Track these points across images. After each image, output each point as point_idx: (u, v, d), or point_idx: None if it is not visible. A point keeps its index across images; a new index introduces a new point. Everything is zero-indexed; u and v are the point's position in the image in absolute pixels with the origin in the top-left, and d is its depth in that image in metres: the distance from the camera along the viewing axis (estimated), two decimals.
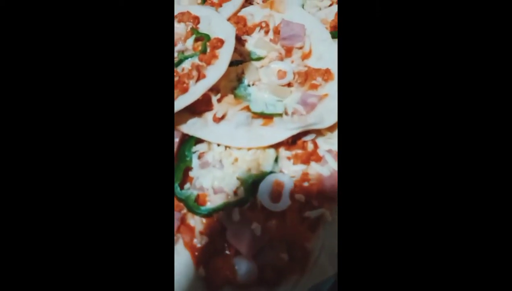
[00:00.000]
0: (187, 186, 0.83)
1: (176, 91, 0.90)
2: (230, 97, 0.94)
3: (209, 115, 0.90)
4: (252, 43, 1.12)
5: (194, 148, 0.88)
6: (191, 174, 0.85)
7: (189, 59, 0.99)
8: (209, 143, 0.88)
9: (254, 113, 0.91)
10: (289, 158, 0.86)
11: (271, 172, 0.83)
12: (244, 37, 1.14)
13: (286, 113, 0.92)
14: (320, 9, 1.25)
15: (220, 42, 1.00)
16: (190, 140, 0.88)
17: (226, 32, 1.03)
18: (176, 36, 1.07)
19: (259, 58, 1.08)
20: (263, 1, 1.33)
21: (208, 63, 0.96)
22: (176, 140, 0.88)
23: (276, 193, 0.79)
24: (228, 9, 1.21)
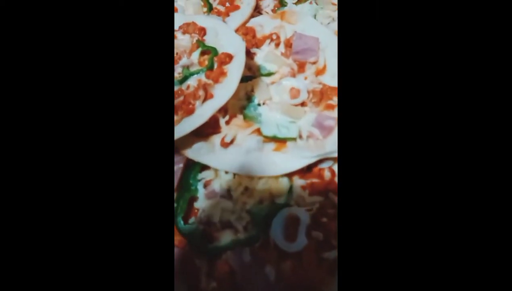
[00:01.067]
0: (192, 219, 0.74)
1: (180, 113, 0.81)
2: (239, 119, 0.85)
3: (216, 139, 0.82)
4: (262, 57, 1.04)
5: (200, 175, 0.79)
6: (196, 204, 0.76)
7: (195, 75, 0.90)
8: (216, 170, 0.79)
9: (266, 137, 0.81)
10: (304, 188, 0.77)
11: (284, 204, 0.74)
12: (253, 50, 1.05)
13: (301, 137, 0.83)
14: (333, 19, 1.17)
15: (229, 57, 0.91)
16: (195, 167, 0.79)
17: (234, 46, 0.94)
18: (180, 49, 0.99)
19: (269, 74, 0.99)
20: (272, 11, 1.25)
21: (216, 81, 0.87)
22: (180, 166, 0.80)
23: (291, 230, 0.70)
24: (236, 19, 1.13)
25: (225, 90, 0.83)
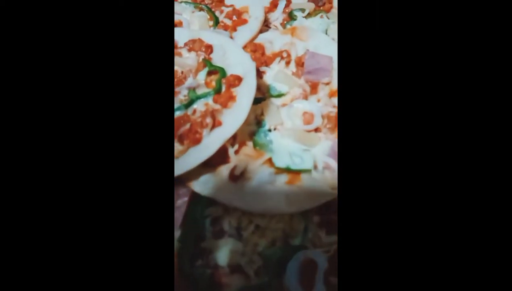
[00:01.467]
0: (199, 262, 0.68)
1: (186, 143, 0.74)
2: (249, 147, 0.78)
3: (224, 171, 0.75)
4: (272, 76, 0.97)
5: (207, 211, 0.72)
6: (203, 245, 0.69)
7: (202, 99, 0.83)
8: (225, 206, 0.72)
9: (278, 168, 0.75)
10: (320, 226, 0.70)
11: (300, 246, 0.67)
12: (262, 68, 0.99)
13: (316, 168, 0.76)
14: None
15: (238, 79, 0.85)
16: (202, 201, 0.73)
17: (244, 66, 0.88)
18: (185, 68, 0.92)
19: (279, 95, 0.93)
20: (281, 24, 1.18)
21: (224, 106, 0.80)
22: (185, 200, 0.73)
23: (308, 275, 0.64)
24: (244, 34, 1.06)
25: (234, 117, 0.76)
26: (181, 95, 0.87)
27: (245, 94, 0.80)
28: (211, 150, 0.72)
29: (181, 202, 0.73)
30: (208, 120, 0.76)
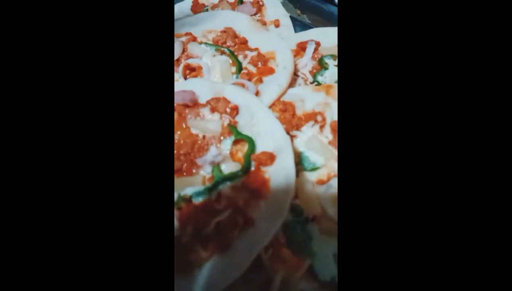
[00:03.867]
0: None
1: (211, 247, 0.58)
2: (285, 251, 0.62)
3: (257, 283, 0.59)
4: (303, 142, 0.81)
5: None
6: None
7: (228, 183, 0.67)
8: None
9: (323, 282, 0.59)
10: None
11: None
12: (293, 132, 0.83)
13: None
14: None
15: (270, 159, 0.69)
16: None
17: (276, 140, 0.73)
18: (208, 133, 0.77)
19: (314, 169, 0.77)
20: (310, 72, 1.02)
21: (257, 196, 0.64)
22: None
23: None
24: (272, 90, 0.90)
25: (270, 217, 0.61)
26: (203, 171, 0.71)
27: (281, 183, 0.65)
28: (244, 262, 0.56)
29: None
30: (239, 218, 0.60)
